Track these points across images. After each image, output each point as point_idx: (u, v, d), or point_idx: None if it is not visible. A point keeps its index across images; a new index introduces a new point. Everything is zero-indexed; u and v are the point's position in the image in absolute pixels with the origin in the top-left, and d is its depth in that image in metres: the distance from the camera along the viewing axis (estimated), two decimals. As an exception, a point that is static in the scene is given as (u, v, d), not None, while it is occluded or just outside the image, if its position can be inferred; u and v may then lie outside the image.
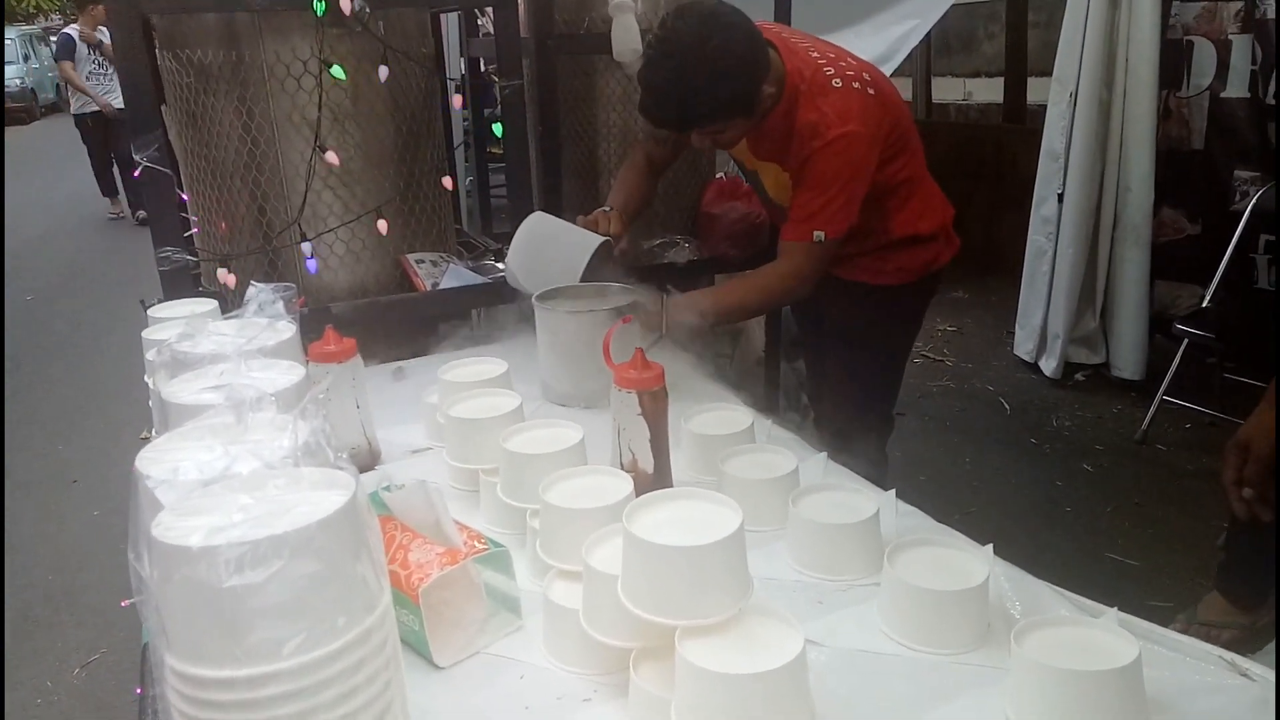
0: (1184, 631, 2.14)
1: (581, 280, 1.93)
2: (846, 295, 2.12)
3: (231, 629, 0.67)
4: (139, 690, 1.25)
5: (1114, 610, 1.04)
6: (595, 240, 1.98)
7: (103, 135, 8.42)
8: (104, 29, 7.64)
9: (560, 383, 1.84)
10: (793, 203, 1.92)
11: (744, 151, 2.05)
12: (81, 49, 8.09)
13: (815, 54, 1.91)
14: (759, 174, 2.07)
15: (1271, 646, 1.80)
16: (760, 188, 2.12)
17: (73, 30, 8.35)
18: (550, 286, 1.90)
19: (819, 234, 1.86)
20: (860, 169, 1.86)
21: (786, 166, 1.94)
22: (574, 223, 2.08)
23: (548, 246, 2.01)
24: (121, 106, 7.41)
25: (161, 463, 0.81)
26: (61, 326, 5.62)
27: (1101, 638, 0.99)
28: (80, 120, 8.45)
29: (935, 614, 1.10)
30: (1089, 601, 1.16)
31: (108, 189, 8.95)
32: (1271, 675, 1.01)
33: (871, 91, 1.88)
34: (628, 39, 2.40)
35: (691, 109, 1.77)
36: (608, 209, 2.13)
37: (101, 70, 8.13)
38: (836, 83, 1.85)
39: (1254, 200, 3.55)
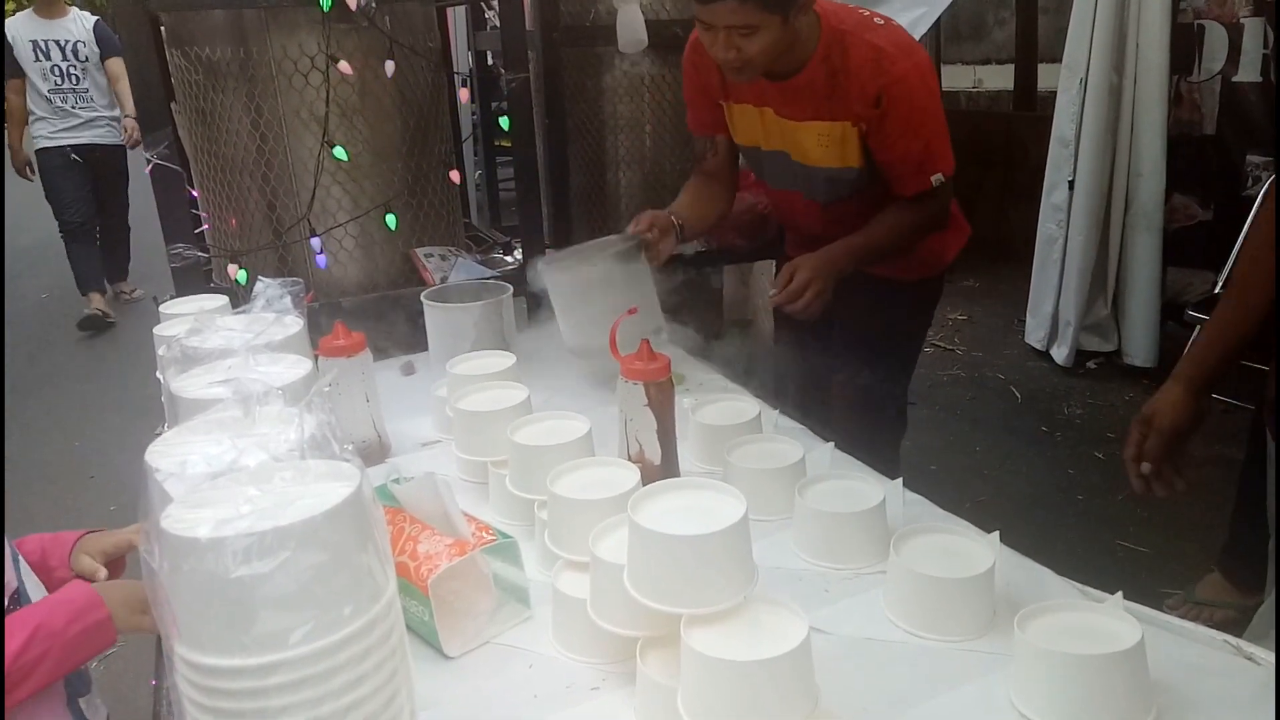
0: (1178, 610, 2.14)
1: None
2: (857, 291, 2.02)
3: (239, 618, 0.69)
4: (154, 682, 1.27)
5: (1118, 596, 1.05)
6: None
7: (85, 180, 5.41)
8: (79, 19, 5.34)
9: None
10: (893, 161, 1.84)
11: (764, 126, 1.93)
12: (25, 51, 5.13)
13: (845, 3, 1.87)
14: (789, 150, 1.93)
15: (1259, 627, 1.80)
16: (784, 165, 1.96)
17: (19, 25, 5.19)
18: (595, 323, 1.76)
19: (937, 177, 1.82)
20: (937, 100, 1.82)
21: (843, 116, 1.81)
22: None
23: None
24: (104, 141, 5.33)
25: (170, 456, 0.82)
26: (76, 322, 5.65)
27: (1105, 622, 1.00)
28: (46, 156, 5.30)
29: (940, 601, 1.10)
30: (1093, 589, 1.16)
31: (90, 276, 5.50)
32: (1274, 659, 1.01)
33: (907, 34, 1.86)
34: (633, 30, 2.40)
35: None
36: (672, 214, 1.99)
37: (69, 84, 5.26)
38: (878, 20, 1.81)
39: (1266, 185, 3.52)
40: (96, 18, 5.49)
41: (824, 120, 1.84)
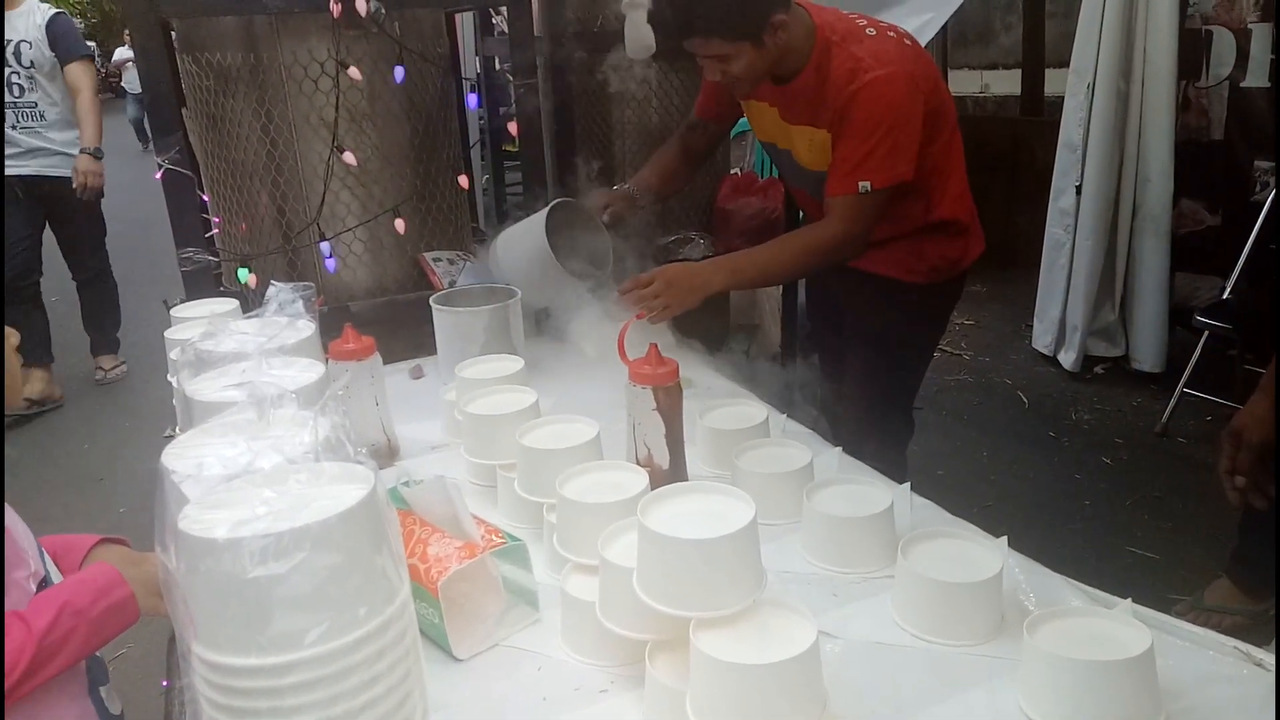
0: (1186, 615, 2.15)
1: (566, 250, 1.96)
2: (876, 293, 2.06)
3: (256, 618, 0.69)
4: (165, 683, 1.28)
5: (1128, 601, 1.05)
6: (546, 208, 1.97)
7: (28, 224, 4.09)
8: (33, 12, 3.99)
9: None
10: (834, 157, 1.84)
11: (774, 125, 1.98)
12: None
13: (845, 11, 1.89)
14: (792, 149, 1.99)
15: None
16: (791, 164, 2.03)
17: None
18: (531, 273, 1.94)
19: (864, 184, 1.78)
20: (902, 112, 1.77)
21: (822, 123, 1.85)
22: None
23: (513, 242, 2.04)
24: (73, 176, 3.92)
25: (186, 458, 0.83)
26: (84, 327, 5.67)
27: (1114, 628, 1.00)
28: None
29: (949, 606, 1.10)
30: (1102, 593, 1.17)
31: (103, 337, 4.66)
32: (1284, 665, 1.01)
33: (908, 42, 1.86)
34: (641, 36, 2.41)
35: (698, 10, 1.72)
36: (625, 187, 2.16)
37: (11, 97, 3.96)
38: (870, 31, 1.82)
39: (1274, 191, 3.52)
40: (58, 11, 4.16)
41: (812, 126, 1.89)
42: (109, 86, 16.81)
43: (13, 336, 1.15)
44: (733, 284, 1.93)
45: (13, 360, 1.14)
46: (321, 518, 0.70)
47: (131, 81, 13.12)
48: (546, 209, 1.95)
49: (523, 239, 1.99)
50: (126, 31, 14.02)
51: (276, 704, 0.71)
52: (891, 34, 1.84)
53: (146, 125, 12.45)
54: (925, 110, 1.82)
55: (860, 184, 1.79)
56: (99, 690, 1.16)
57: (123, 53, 13.61)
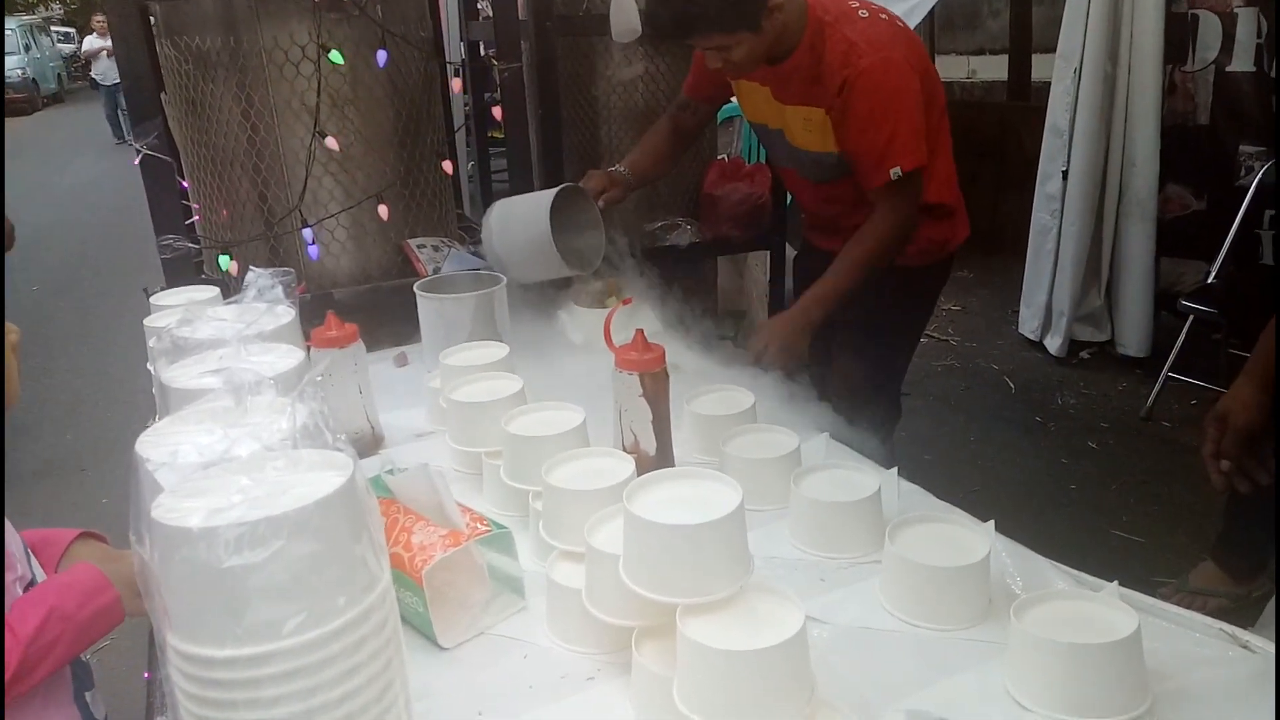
0: (1172, 598, 2.16)
1: (560, 231, 1.92)
2: None
3: (232, 609, 0.68)
4: (147, 675, 1.27)
5: (1114, 584, 1.05)
6: (552, 191, 1.94)
7: None
8: None
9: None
10: (854, 153, 1.86)
11: (766, 105, 1.99)
12: None
13: None
14: (784, 129, 2.00)
15: (1268, 619, 1.81)
16: (782, 144, 2.04)
17: None
18: (527, 255, 1.92)
19: (895, 170, 1.81)
20: (904, 95, 1.80)
21: (820, 103, 1.86)
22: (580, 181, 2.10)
23: (513, 220, 2.00)
24: None
25: (161, 446, 0.81)
26: (67, 316, 5.63)
27: (1101, 611, 1.00)
28: None
29: (936, 590, 1.10)
30: (1089, 577, 1.17)
31: None
32: (1271, 647, 1.01)
33: (899, 24, 1.86)
34: (627, 19, 2.39)
35: (694, 8, 1.73)
36: (619, 169, 2.14)
37: None
38: (863, 13, 1.83)
39: (1259, 175, 3.52)
40: None
41: (807, 105, 1.89)
42: (84, 76, 16.29)
43: (12, 334, 1.13)
44: (825, 315, 1.94)
45: (11, 358, 1.12)
46: (298, 505, 0.69)
47: (102, 73, 12.71)
48: (553, 192, 1.92)
49: (523, 217, 1.96)
50: (96, 18, 13.24)
51: (254, 695, 0.70)
52: (884, 16, 1.85)
53: (121, 117, 11.96)
54: (922, 78, 1.84)
55: (891, 171, 1.82)
56: (84, 696, 1.14)
57: (93, 41, 13.19)
